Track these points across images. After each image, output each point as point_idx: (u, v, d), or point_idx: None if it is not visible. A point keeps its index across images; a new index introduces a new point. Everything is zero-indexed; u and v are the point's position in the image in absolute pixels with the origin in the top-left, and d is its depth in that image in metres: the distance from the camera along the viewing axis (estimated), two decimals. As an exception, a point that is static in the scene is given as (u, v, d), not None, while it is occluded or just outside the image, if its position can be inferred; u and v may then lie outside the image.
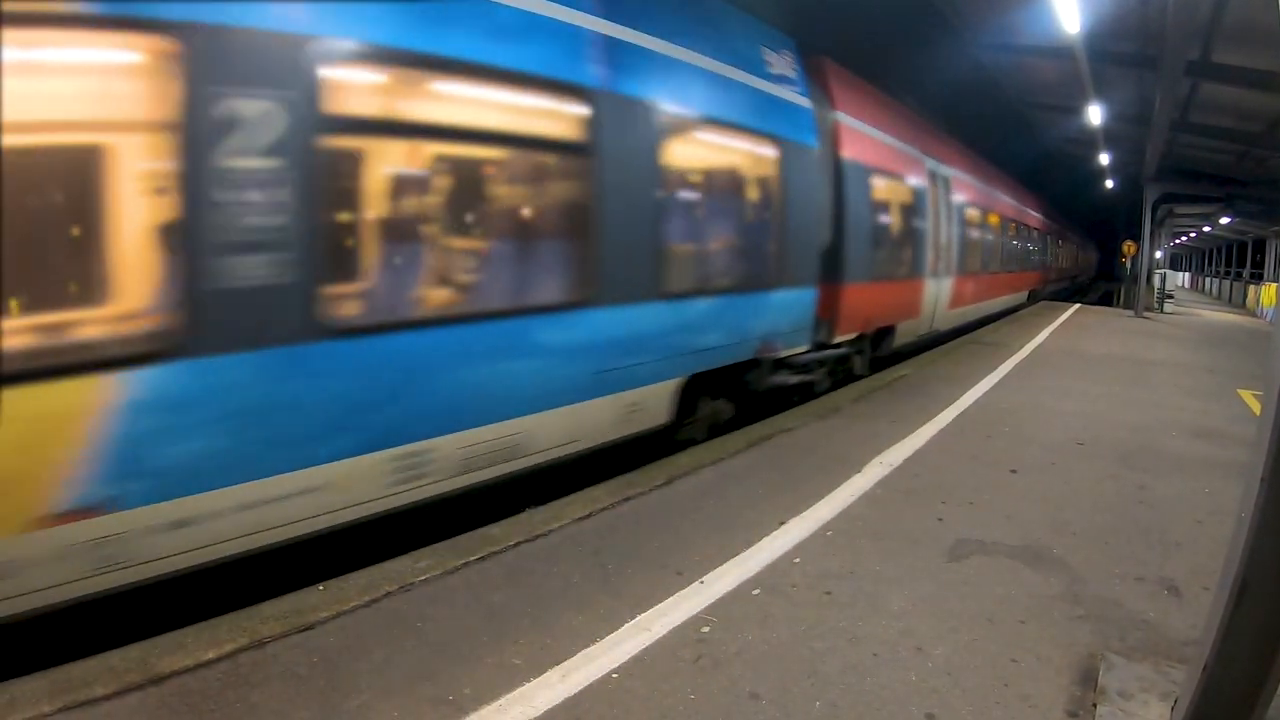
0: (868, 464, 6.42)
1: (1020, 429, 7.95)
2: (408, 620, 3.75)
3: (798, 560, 4.55)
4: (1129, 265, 31.40)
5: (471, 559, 4.40)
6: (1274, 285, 27.66)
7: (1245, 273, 39.88)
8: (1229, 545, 2.52)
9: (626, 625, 3.77)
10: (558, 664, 3.43)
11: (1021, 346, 14.44)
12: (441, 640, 3.59)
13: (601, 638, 3.65)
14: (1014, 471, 6.46)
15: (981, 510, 5.51)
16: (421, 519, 4.79)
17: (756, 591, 4.14)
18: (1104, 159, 26.89)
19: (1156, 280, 27.05)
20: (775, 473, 6.14)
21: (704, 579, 4.26)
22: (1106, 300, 33.79)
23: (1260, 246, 36.61)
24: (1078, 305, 26.96)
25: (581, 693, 3.23)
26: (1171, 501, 5.94)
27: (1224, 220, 32.91)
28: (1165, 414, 9.13)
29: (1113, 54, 14.95)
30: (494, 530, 4.83)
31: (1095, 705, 3.24)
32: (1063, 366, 12.44)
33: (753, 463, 6.42)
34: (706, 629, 3.75)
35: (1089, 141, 24.57)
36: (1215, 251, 53.46)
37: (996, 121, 25.21)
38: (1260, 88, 13.88)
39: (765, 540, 4.80)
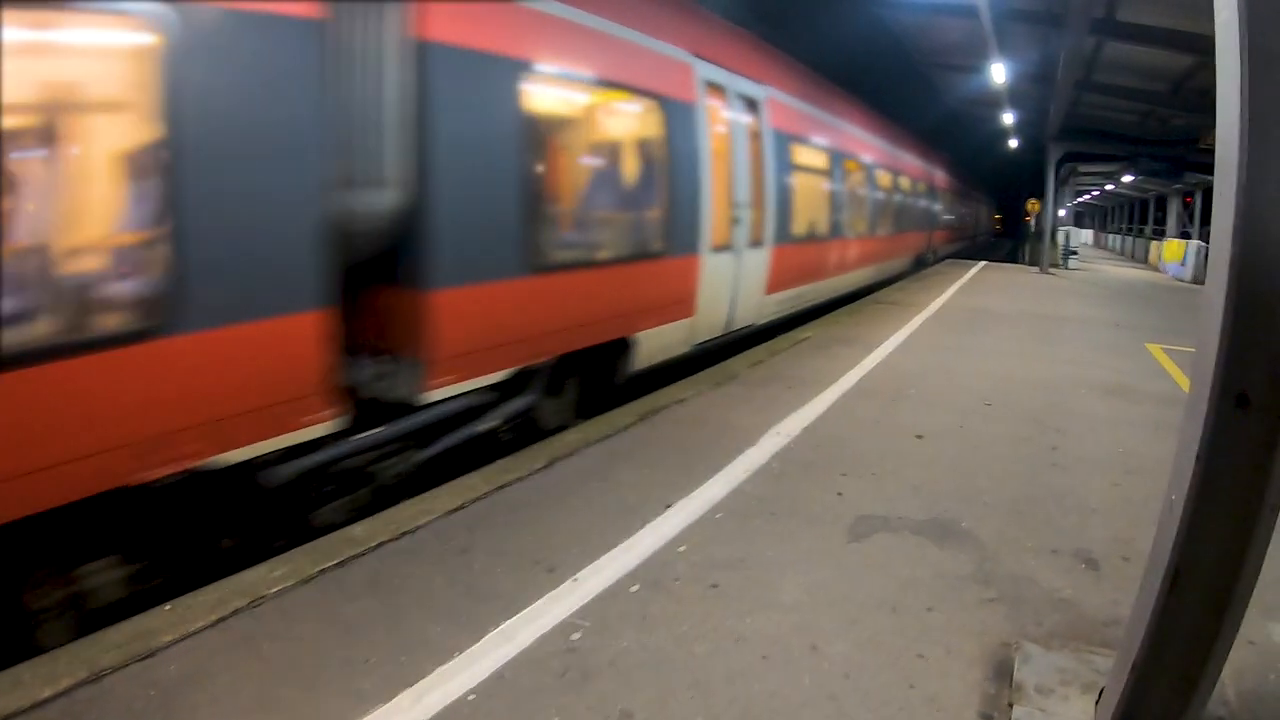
0: (764, 435, 6.04)
1: (926, 391, 7.72)
2: (255, 640, 3.27)
3: (683, 549, 4.14)
4: (1033, 223, 31.99)
5: (329, 565, 3.89)
6: (1175, 241, 28.37)
7: (1148, 229, 40.90)
8: (1157, 531, 2.19)
9: (489, 635, 3.32)
10: (410, 686, 2.99)
11: (927, 305, 14.34)
12: (287, 664, 3.12)
13: (461, 652, 3.20)
14: (920, 437, 6.18)
15: (886, 482, 5.20)
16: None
17: (635, 588, 3.73)
18: (1008, 119, 27.14)
19: (1060, 237, 27.58)
20: (664, 449, 5.73)
21: (578, 576, 3.82)
22: (1012, 257, 34.44)
23: (1162, 204, 37.51)
24: (984, 263, 27.27)
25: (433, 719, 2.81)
26: (1085, 463, 5.75)
27: (1126, 179, 33.63)
28: (1075, 370, 9.04)
29: (1018, 11, 14.86)
30: (357, 530, 4.31)
31: (1011, 705, 2.90)
32: (969, 324, 12.38)
33: (641, 438, 5.99)
34: (577, 635, 3.33)
35: (993, 101, 24.72)
36: (1118, 209, 54.91)
37: (899, 81, 25.23)
38: (1165, 46, 13.94)
39: (649, 527, 4.39)
